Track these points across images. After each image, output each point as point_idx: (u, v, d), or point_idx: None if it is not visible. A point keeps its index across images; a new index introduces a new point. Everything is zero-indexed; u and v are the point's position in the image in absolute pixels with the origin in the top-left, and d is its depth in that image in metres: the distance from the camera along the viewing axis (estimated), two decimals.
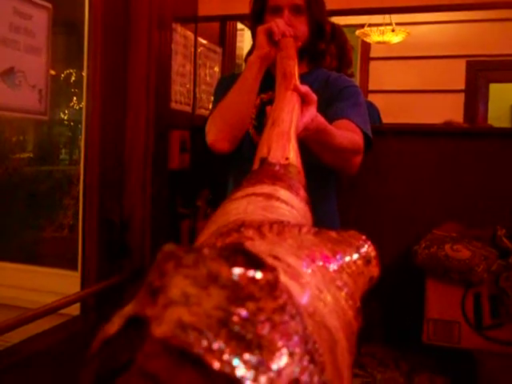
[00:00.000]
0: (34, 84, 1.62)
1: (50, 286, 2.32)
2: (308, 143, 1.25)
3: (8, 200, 2.82)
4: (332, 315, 0.33)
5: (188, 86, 2.33)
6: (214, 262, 0.26)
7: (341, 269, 0.39)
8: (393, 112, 4.21)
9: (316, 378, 0.25)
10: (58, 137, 3.08)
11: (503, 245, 1.80)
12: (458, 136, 2.18)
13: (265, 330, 0.26)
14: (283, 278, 0.29)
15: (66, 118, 2.99)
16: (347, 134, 1.48)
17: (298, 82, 1.16)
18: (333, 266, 0.38)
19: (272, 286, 0.27)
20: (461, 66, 5.09)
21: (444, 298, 1.77)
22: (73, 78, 2.96)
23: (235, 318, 0.26)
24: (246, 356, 0.25)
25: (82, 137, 1.94)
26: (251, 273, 0.27)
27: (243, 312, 0.26)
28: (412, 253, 1.82)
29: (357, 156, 1.54)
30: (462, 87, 5.11)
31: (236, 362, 0.25)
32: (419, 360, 1.85)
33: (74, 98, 2.99)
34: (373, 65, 5.49)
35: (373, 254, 0.43)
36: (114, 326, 0.26)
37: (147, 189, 2.01)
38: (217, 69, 2.64)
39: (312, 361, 0.26)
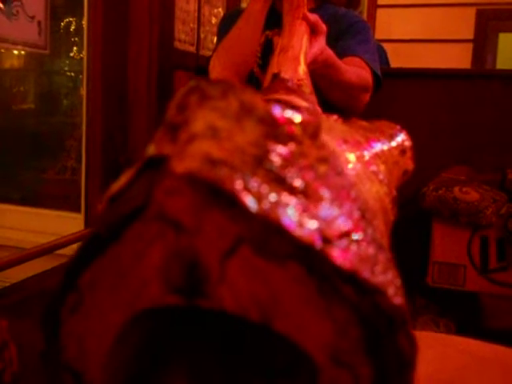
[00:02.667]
0: (33, 15, 1.54)
1: (53, 228, 2.30)
2: (315, 78, 1.21)
3: (10, 143, 2.78)
4: (370, 195, 0.30)
5: (192, 24, 2.25)
6: (247, 94, 0.22)
7: (375, 156, 0.35)
8: (400, 61, 4.11)
9: (369, 237, 0.21)
10: (59, 86, 3.01)
11: None
12: (468, 78, 2.12)
13: (309, 176, 0.22)
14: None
15: (66, 68, 2.92)
16: (356, 69, 1.44)
17: (306, 11, 1.11)
18: (366, 153, 0.35)
19: (315, 131, 0.22)
20: (470, 14, 4.96)
21: (450, 240, 1.75)
22: (73, 27, 2.89)
23: (275, 157, 0.21)
24: (289, 199, 0.20)
25: (84, 80, 1.88)
26: (292, 113, 0.22)
27: (284, 151, 0.21)
28: (420, 195, 1.79)
29: (365, 93, 1.50)
30: (471, 37, 4.99)
31: (278, 203, 0.20)
32: (423, 302, 1.85)
33: (75, 48, 2.92)
34: (380, 13, 5.35)
35: (408, 144, 0.40)
36: (123, 180, 0.22)
37: (152, 132, 1.97)
38: (221, 9, 2.56)
39: (363, 217, 0.23)
